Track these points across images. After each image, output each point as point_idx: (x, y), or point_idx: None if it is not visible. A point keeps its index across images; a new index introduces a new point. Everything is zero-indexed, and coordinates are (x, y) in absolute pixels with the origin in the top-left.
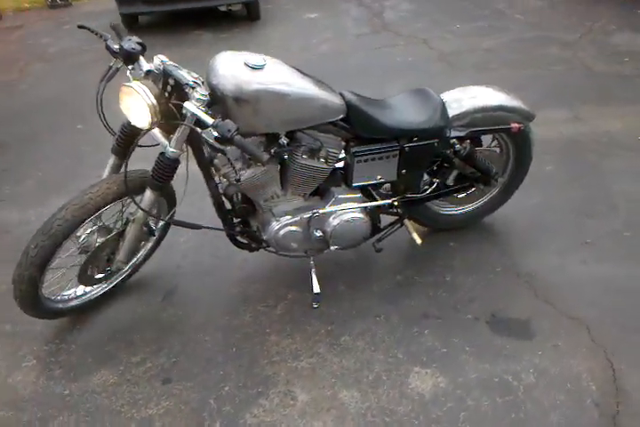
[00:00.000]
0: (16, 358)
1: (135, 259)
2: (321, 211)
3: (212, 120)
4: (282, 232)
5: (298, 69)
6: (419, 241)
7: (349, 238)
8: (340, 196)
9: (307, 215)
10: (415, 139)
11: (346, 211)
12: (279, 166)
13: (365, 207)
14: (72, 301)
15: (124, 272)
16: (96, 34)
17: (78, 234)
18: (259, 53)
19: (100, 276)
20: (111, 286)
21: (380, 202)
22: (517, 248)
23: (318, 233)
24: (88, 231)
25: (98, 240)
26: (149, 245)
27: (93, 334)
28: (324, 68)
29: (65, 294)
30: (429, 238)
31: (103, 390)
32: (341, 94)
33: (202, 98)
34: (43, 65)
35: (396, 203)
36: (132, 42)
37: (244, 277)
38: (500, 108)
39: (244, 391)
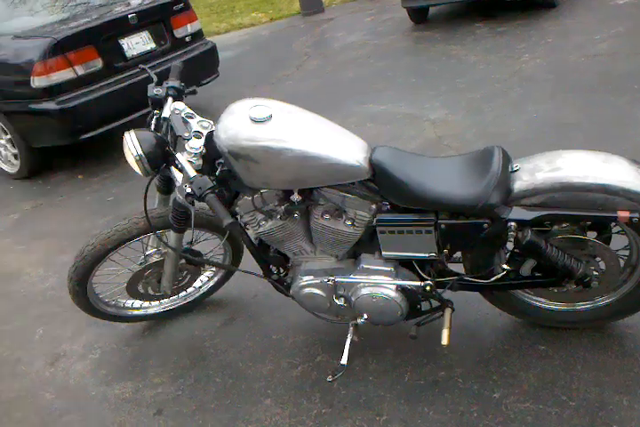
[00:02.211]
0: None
1: (193, 288)
2: (339, 279)
3: (194, 174)
4: (303, 292)
5: (322, 120)
6: (444, 341)
7: (376, 314)
8: (365, 265)
9: (327, 279)
10: (460, 215)
11: (371, 284)
12: (299, 223)
13: (394, 284)
14: (128, 310)
15: (185, 297)
16: (149, 75)
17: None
18: (280, 102)
19: (151, 294)
20: (171, 307)
21: (408, 282)
22: None
23: (340, 301)
24: (149, 252)
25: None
26: (209, 276)
27: (146, 343)
28: None
29: (120, 301)
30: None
31: (114, 401)
32: (374, 151)
33: (191, 151)
34: (318, 61)
35: (428, 287)
36: (160, 87)
37: (295, 325)
38: (602, 188)
39: None
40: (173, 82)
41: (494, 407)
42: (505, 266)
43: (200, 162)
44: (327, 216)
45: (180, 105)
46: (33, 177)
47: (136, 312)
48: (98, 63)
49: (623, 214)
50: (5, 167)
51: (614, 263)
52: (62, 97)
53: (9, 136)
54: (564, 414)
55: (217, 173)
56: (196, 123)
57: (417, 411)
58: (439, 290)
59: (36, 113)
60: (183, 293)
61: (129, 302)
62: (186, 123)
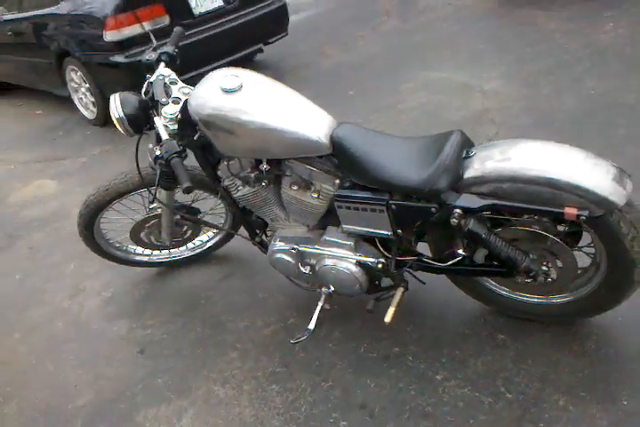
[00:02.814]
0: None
1: (193, 244)
2: (301, 248)
3: (166, 138)
4: (275, 257)
5: (291, 94)
6: (387, 319)
7: (337, 286)
8: (328, 237)
9: (291, 247)
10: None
11: (332, 256)
12: (272, 191)
13: (351, 259)
14: (135, 256)
15: (189, 250)
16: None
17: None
18: (256, 74)
19: (155, 243)
20: (175, 258)
21: (364, 258)
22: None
23: (305, 269)
24: (153, 205)
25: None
26: (212, 234)
27: (153, 288)
28: None
29: (130, 247)
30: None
31: (109, 337)
32: (337, 127)
33: (166, 116)
34: (396, 22)
35: (380, 265)
36: (154, 52)
37: (281, 286)
38: (549, 183)
39: (163, 387)
40: (167, 48)
41: (432, 389)
42: (460, 251)
43: (175, 126)
44: (295, 187)
45: (166, 71)
46: (107, 125)
47: (143, 258)
48: (165, 20)
49: (570, 211)
50: (86, 114)
51: (570, 261)
52: (131, 51)
53: (87, 85)
54: (496, 404)
55: (195, 138)
56: (178, 89)
57: (360, 382)
58: (407, 269)
59: (108, 65)
60: (184, 247)
61: (137, 249)
62: (168, 88)
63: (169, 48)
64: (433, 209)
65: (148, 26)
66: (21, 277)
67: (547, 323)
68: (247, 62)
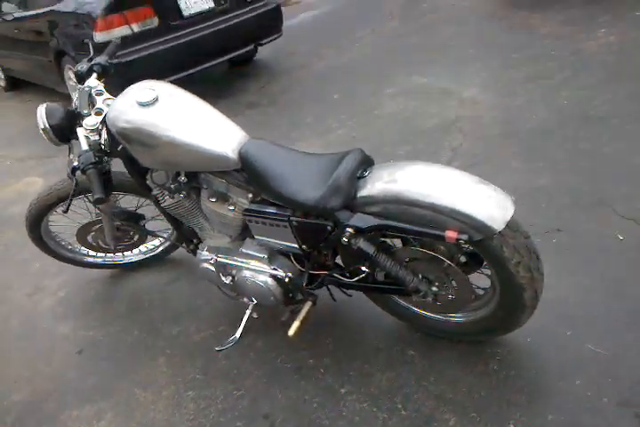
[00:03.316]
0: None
1: (146, 247)
2: (220, 259)
3: (85, 148)
4: (200, 266)
5: (205, 109)
6: (290, 332)
7: (255, 297)
8: (244, 249)
9: (210, 258)
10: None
11: (248, 268)
12: (195, 202)
13: (265, 271)
14: (85, 257)
15: (138, 255)
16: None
17: None
18: (173, 88)
19: (102, 246)
20: (128, 261)
21: (276, 272)
22: None
23: (227, 280)
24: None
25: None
26: (161, 240)
27: (104, 288)
28: None
29: (81, 249)
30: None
31: (54, 336)
32: (245, 143)
33: (87, 127)
34: (397, 24)
35: (287, 279)
36: (86, 63)
37: (219, 293)
38: (430, 206)
39: (91, 389)
40: (100, 58)
41: (334, 402)
42: (364, 268)
43: (96, 137)
44: (213, 199)
45: (94, 82)
46: None
47: (97, 260)
48: (154, 21)
49: (450, 235)
50: None
51: (464, 282)
52: (120, 52)
53: None
54: (390, 420)
55: (118, 149)
56: (102, 101)
57: (269, 392)
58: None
59: None
60: (137, 250)
61: (89, 251)
62: (93, 99)
63: (102, 59)
64: (329, 227)
65: (136, 27)
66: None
67: (456, 341)
68: (246, 62)
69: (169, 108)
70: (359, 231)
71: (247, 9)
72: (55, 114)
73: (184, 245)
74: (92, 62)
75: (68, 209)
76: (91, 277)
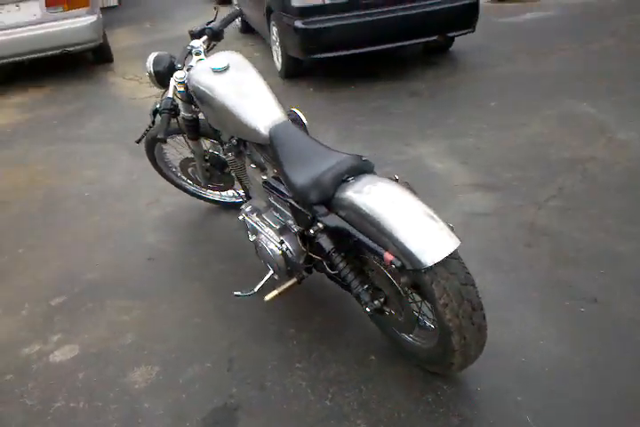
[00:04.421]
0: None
1: (237, 193)
2: (246, 218)
3: (169, 96)
4: (239, 218)
5: (260, 84)
6: (267, 297)
7: (265, 260)
8: (265, 217)
9: (240, 214)
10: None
11: (263, 233)
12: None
13: (273, 240)
14: (186, 184)
15: (233, 197)
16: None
17: None
18: (246, 63)
19: (196, 180)
20: (220, 200)
21: (279, 244)
22: None
23: (251, 238)
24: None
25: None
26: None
27: (196, 217)
28: None
29: (183, 177)
30: None
31: (153, 243)
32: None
33: (176, 79)
34: (612, 42)
35: (280, 252)
36: (206, 26)
37: None
38: (377, 225)
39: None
40: (214, 24)
41: (286, 370)
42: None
43: (182, 88)
44: (253, 166)
45: (197, 43)
46: (288, 79)
47: (188, 187)
48: None
49: (387, 256)
50: (277, 65)
51: (405, 306)
52: (308, 19)
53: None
54: (313, 405)
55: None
56: (196, 60)
57: (247, 343)
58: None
59: (289, 27)
60: (220, 193)
61: (185, 179)
62: (190, 57)
63: (215, 24)
64: (308, 217)
65: None
66: (135, 178)
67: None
68: (440, 51)
69: (231, 79)
70: (326, 228)
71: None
72: (160, 62)
73: (245, 199)
74: (206, 26)
75: (139, 141)
76: (194, 205)
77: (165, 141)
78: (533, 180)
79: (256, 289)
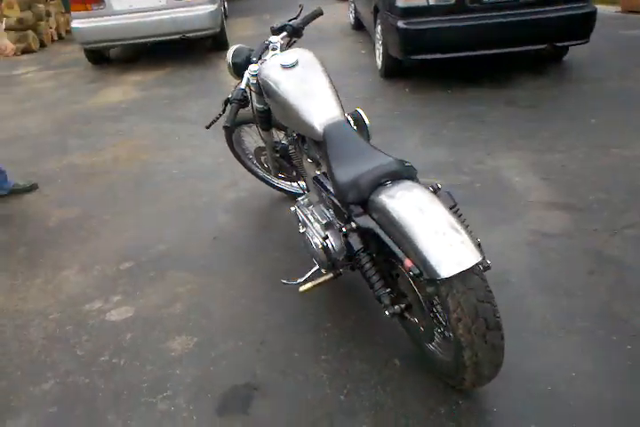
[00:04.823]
0: None
1: (294, 183)
2: (297, 210)
3: (241, 87)
4: (291, 209)
5: (324, 82)
6: (301, 288)
7: (310, 253)
8: (315, 211)
9: (296, 208)
10: None
11: (310, 227)
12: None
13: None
14: (258, 169)
15: (283, 184)
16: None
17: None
18: (315, 61)
19: (267, 168)
20: (290, 189)
21: (322, 239)
22: None
23: (301, 230)
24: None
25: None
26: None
27: (264, 203)
28: None
29: (257, 164)
30: None
31: (219, 224)
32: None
33: (250, 71)
34: None
35: (321, 246)
36: (286, 23)
37: None
38: (401, 231)
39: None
40: (294, 21)
41: (311, 360)
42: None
43: (254, 81)
44: (310, 160)
45: (274, 38)
46: (388, 77)
47: (262, 174)
48: None
49: (407, 263)
50: (378, 63)
51: (424, 314)
52: (410, 19)
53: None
54: (327, 399)
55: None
56: (271, 54)
57: (283, 329)
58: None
59: (392, 26)
60: (290, 183)
61: (259, 166)
62: (266, 51)
63: (296, 22)
64: (345, 215)
65: (432, 1)
66: (222, 161)
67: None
68: (553, 59)
69: (297, 75)
70: (358, 228)
71: (557, 7)
72: (239, 55)
73: (305, 191)
74: (287, 23)
75: (208, 127)
76: (266, 193)
77: (231, 129)
78: (616, 205)
79: (302, 280)
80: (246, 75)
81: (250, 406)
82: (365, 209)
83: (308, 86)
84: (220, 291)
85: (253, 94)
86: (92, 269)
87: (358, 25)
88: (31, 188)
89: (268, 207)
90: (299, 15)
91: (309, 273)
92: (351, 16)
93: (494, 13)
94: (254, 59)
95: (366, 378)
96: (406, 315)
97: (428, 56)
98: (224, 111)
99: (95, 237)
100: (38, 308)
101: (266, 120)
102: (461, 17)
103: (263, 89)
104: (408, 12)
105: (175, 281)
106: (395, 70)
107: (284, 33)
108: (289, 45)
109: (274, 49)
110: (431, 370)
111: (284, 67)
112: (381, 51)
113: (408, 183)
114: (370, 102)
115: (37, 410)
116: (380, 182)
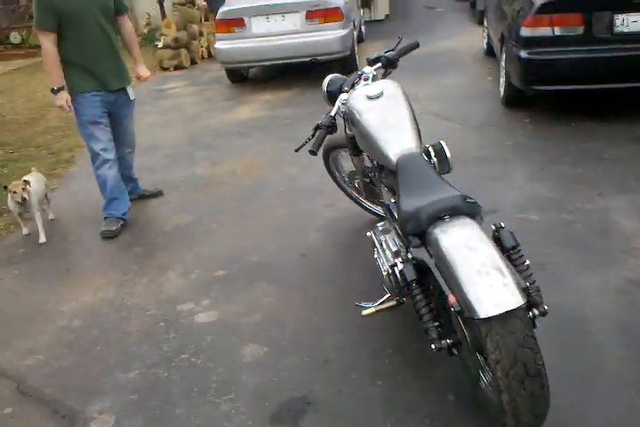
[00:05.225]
0: None
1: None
2: (373, 236)
3: (332, 114)
4: (367, 234)
5: (405, 114)
6: (364, 312)
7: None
8: (387, 238)
9: (372, 234)
10: None
11: (381, 252)
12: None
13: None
14: (351, 191)
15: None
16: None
17: None
18: (400, 93)
19: (359, 190)
20: (367, 208)
21: (391, 266)
22: None
23: (375, 255)
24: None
25: None
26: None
27: (355, 222)
28: None
29: (350, 186)
30: None
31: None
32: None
33: (341, 100)
34: None
35: (386, 273)
36: (382, 54)
37: None
38: (447, 268)
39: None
40: (390, 53)
41: (365, 385)
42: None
43: (344, 109)
44: (386, 189)
45: (367, 69)
46: (510, 106)
47: (355, 195)
48: (579, 29)
49: (451, 299)
50: (501, 92)
51: (470, 356)
52: (535, 49)
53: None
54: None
55: None
56: (362, 85)
57: (345, 350)
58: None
59: (515, 56)
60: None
61: (351, 187)
62: (358, 81)
63: (391, 53)
64: (404, 246)
65: (558, 31)
66: (326, 181)
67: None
68: None
69: (380, 106)
70: (413, 259)
71: None
72: (333, 83)
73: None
74: (382, 54)
75: (297, 150)
76: (360, 214)
77: (315, 153)
78: None
79: (374, 304)
80: (337, 102)
81: (301, 420)
82: (423, 241)
83: (388, 117)
84: (298, 306)
85: (344, 121)
86: (191, 272)
87: (490, 51)
88: (157, 194)
89: (358, 228)
90: (396, 47)
91: (383, 298)
92: (484, 41)
93: (625, 46)
94: (346, 88)
95: (417, 409)
96: (454, 351)
97: (551, 88)
98: (313, 136)
99: (200, 244)
100: (140, 303)
101: (355, 146)
102: (589, 48)
103: (347, 117)
104: (532, 42)
105: (260, 292)
106: (516, 99)
107: (379, 64)
108: (384, 76)
109: (365, 79)
110: (481, 409)
111: (369, 97)
112: (504, 79)
113: (464, 220)
114: (483, 130)
115: (120, 395)
116: (439, 216)
